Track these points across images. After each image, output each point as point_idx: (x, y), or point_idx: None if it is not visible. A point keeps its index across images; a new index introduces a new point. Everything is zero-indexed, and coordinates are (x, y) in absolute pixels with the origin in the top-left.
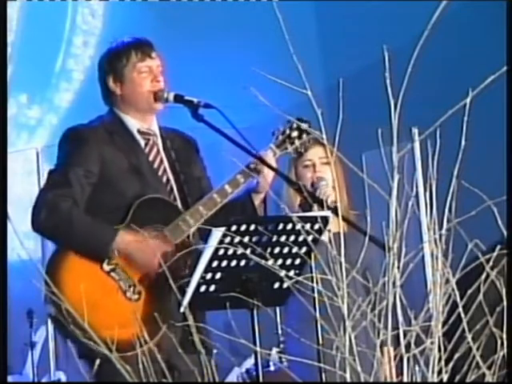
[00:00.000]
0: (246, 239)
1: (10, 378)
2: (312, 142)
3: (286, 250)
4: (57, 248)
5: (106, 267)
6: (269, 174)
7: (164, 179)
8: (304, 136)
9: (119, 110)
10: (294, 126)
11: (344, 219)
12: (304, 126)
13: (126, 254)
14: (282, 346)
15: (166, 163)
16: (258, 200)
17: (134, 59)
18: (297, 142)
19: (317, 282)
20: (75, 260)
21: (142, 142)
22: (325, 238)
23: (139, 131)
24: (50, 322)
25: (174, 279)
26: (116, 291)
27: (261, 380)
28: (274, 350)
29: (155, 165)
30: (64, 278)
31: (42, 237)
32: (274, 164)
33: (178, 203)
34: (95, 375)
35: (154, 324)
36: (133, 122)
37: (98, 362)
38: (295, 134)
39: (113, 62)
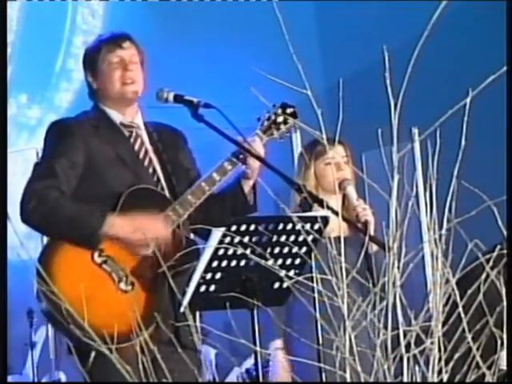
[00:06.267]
0: (246, 239)
1: (10, 378)
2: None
3: (286, 250)
4: (47, 242)
5: (98, 259)
6: (256, 160)
7: (150, 170)
8: (290, 121)
9: (101, 104)
10: (279, 111)
11: (344, 219)
12: (289, 110)
13: (118, 237)
14: None
15: (151, 154)
16: (247, 187)
17: (104, 51)
18: (283, 127)
19: (317, 282)
20: (66, 253)
21: (126, 134)
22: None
23: (122, 124)
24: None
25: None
26: (108, 283)
27: (261, 380)
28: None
29: (140, 155)
30: (55, 272)
31: (31, 229)
32: (261, 150)
33: (166, 193)
34: (88, 370)
35: (147, 316)
36: (115, 115)
37: (92, 355)
38: (281, 119)
39: (88, 58)
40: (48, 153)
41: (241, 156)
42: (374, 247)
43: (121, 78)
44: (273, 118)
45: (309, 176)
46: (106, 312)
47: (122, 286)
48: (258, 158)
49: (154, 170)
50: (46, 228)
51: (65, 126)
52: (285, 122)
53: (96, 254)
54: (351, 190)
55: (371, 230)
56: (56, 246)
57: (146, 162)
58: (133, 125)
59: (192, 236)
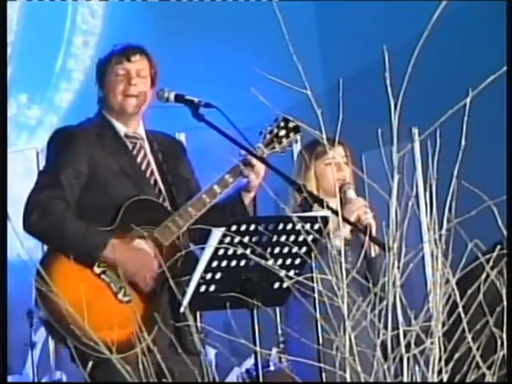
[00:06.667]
0: (246, 239)
1: (10, 378)
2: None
3: (285, 249)
4: (47, 250)
5: (97, 269)
6: (260, 173)
7: (152, 181)
8: (291, 135)
9: (106, 113)
10: (282, 124)
11: (344, 219)
12: (291, 124)
13: (117, 263)
14: (281, 346)
15: (153, 165)
16: (248, 199)
17: (113, 63)
18: (284, 141)
19: (317, 282)
20: (66, 262)
21: (130, 146)
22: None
23: (126, 135)
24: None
25: (165, 280)
26: (107, 293)
27: (261, 380)
28: (274, 350)
29: (143, 167)
30: (55, 281)
31: (33, 238)
32: (263, 164)
33: (167, 204)
34: (88, 378)
35: (146, 326)
36: (119, 126)
37: (90, 365)
38: (283, 132)
39: (99, 68)
40: (52, 162)
41: (242, 169)
42: (377, 250)
43: (124, 90)
44: (275, 131)
45: (309, 177)
46: (105, 321)
47: (121, 296)
48: (259, 158)
49: (156, 182)
50: (48, 240)
51: (68, 135)
52: (287, 135)
53: (95, 265)
54: (352, 194)
55: (373, 233)
56: (54, 255)
57: (147, 174)
58: (136, 136)
59: (192, 246)
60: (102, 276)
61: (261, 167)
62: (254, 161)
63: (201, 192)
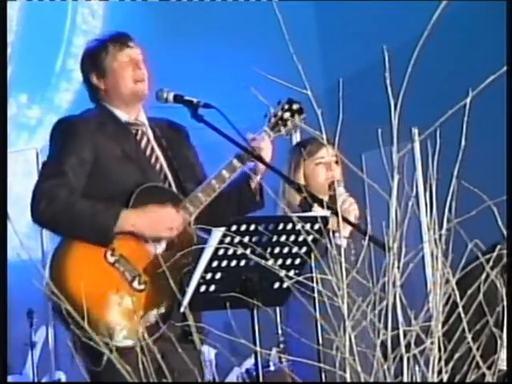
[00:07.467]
0: (246, 239)
1: (10, 378)
2: (318, 143)
3: (286, 250)
4: (59, 242)
5: (110, 258)
6: (267, 156)
7: (157, 166)
8: (296, 117)
9: (106, 104)
10: (286, 107)
11: (344, 220)
12: (295, 106)
13: (135, 232)
14: (281, 346)
15: (157, 151)
16: (254, 183)
17: (113, 51)
18: (289, 124)
19: (317, 282)
20: (79, 253)
21: (133, 132)
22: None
23: (128, 123)
24: (51, 317)
25: (177, 268)
26: (121, 282)
27: (261, 380)
28: (274, 350)
29: (147, 152)
30: (68, 272)
31: (43, 228)
32: (269, 147)
33: (174, 189)
34: (99, 371)
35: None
36: (121, 114)
37: (105, 356)
38: (287, 115)
39: (93, 59)
40: (55, 152)
41: (250, 153)
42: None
43: (133, 76)
44: (279, 114)
45: (298, 176)
46: (120, 310)
47: (135, 285)
48: (258, 158)
49: (161, 167)
50: (59, 227)
51: (70, 124)
52: (291, 117)
53: (108, 253)
54: (341, 190)
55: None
56: (67, 246)
57: (152, 159)
58: (138, 122)
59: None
60: (116, 265)
61: (267, 151)
62: (262, 144)
63: (210, 178)
